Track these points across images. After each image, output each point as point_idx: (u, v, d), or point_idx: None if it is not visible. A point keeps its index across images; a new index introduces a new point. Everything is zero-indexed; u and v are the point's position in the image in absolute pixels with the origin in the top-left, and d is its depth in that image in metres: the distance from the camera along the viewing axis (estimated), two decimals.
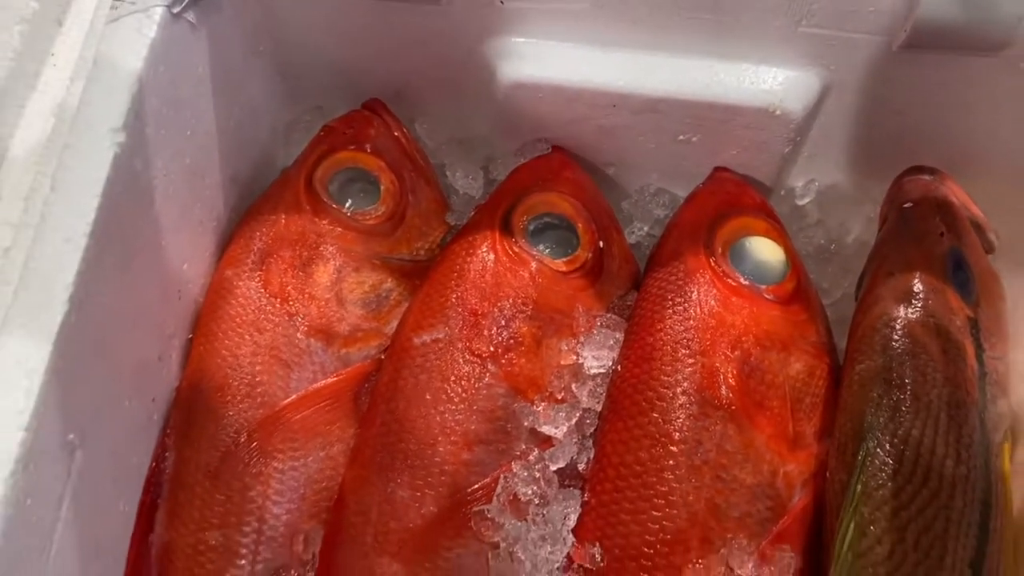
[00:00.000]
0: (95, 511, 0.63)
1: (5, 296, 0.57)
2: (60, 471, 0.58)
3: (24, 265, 0.58)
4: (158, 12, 0.66)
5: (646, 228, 0.88)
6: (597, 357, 0.74)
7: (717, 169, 0.84)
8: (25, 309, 0.57)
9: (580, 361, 0.74)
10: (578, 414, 0.72)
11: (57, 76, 0.66)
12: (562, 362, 0.74)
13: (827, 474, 0.68)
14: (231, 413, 0.72)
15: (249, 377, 0.73)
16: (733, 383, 0.69)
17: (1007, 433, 0.69)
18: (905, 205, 0.76)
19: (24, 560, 0.54)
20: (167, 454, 0.72)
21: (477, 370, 0.72)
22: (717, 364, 0.70)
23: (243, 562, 0.70)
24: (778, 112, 0.78)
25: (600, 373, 0.74)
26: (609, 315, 0.77)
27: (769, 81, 0.78)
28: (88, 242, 0.59)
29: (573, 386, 0.73)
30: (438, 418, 0.71)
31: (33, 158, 0.63)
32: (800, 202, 0.89)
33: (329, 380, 0.75)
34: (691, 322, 0.72)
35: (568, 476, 0.71)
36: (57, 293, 0.57)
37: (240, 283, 0.76)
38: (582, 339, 0.74)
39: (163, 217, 0.69)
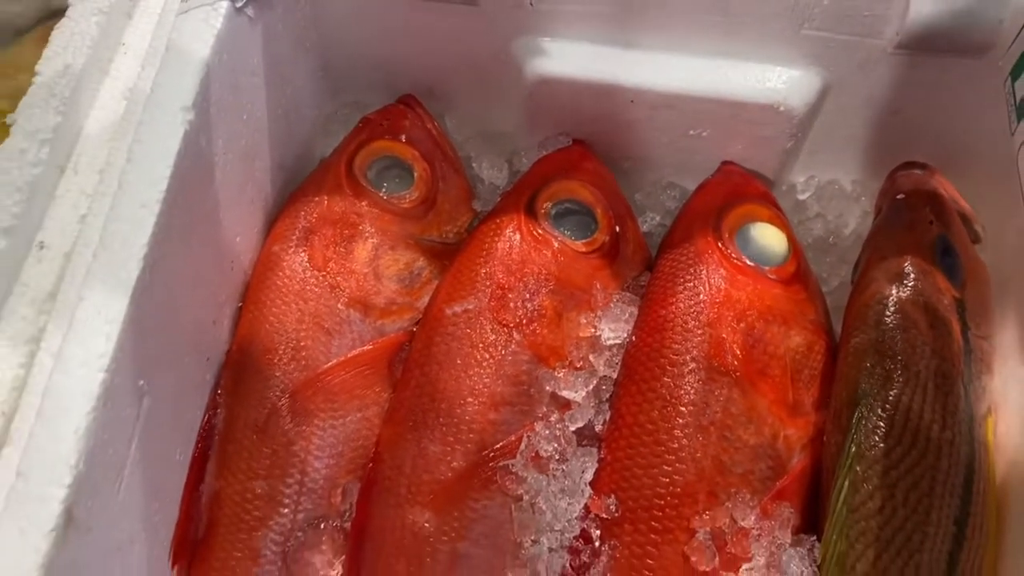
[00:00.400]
0: (156, 456, 0.68)
1: (85, 257, 0.63)
2: (131, 413, 0.63)
3: (103, 228, 0.63)
4: (223, 6, 0.72)
5: (658, 218, 0.92)
6: (613, 329, 0.78)
7: (725, 163, 0.89)
8: (105, 266, 0.62)
9: (597, 333, 0.78)
10: (595, 380, 0.76)
11: (127, 63, 0.72)
12: (581, 334, 0.78)
13: (824, 438, 0.72)
14: (277, 374, 0.77)
15: (294, 342, 0.78)
16: (738, 352, 0.74)
17: (990, 408, 0.73)
18: (898, 196, 0.80)
19: (101, 488, 0.59)
20: (218, 410, 0.77)
21: (503, 339, 0.76)
22: (723, 334, 0.74)
23: (286, 510, 0.75)
24: (781, 108, 0.82)
25: (616, 344, 0.78)
26: (624, 292, 0.81)
27: (773, 80, 0.82)
28: (161, 208, 0.64)
29: (591, 355, 0.77)
30: (467, 381, 0.75)
31: (106, 136, 0.69)
32: (801, 197, 0.93)
33: (366, 348, 0.79)
34: (700, 296, 0.76)
35: (586, 436, 0.75)
36: (134, 252, 0.62)
37: (287, 257, 0.81)
38: (599, 313, 0.79)
39: (221, 193, 0.75)
